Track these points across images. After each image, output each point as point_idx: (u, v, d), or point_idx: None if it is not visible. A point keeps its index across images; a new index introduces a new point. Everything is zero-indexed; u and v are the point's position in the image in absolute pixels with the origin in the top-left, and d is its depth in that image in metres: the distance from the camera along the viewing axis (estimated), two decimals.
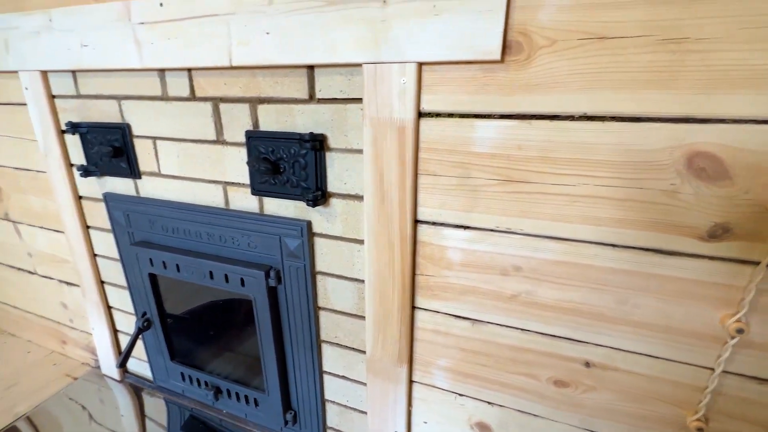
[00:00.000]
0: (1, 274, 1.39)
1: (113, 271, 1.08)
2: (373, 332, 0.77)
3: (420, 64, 0.58)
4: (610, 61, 0.49)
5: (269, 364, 0.91)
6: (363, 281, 0.76)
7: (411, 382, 0.80)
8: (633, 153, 0.52)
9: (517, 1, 0.51)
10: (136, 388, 1.21)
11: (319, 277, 0.81)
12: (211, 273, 0.87)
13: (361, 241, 0.74)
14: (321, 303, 0.83)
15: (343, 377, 0.88)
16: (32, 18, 0.85)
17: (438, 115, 0.61)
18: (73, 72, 0.90)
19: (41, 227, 1.18)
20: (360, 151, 0.68)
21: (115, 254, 1.04)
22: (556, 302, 0.63)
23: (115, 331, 1.19)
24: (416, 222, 0.68)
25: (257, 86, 0.72)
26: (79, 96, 0.91)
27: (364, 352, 0.83)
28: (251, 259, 0.84)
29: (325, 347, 0.87)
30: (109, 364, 1.24)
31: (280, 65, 0.67)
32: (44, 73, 0.93)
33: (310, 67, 0.67)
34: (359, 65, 0.62)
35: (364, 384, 0.85)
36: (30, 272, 1.30)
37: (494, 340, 0.69)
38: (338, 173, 0.71)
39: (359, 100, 0.65)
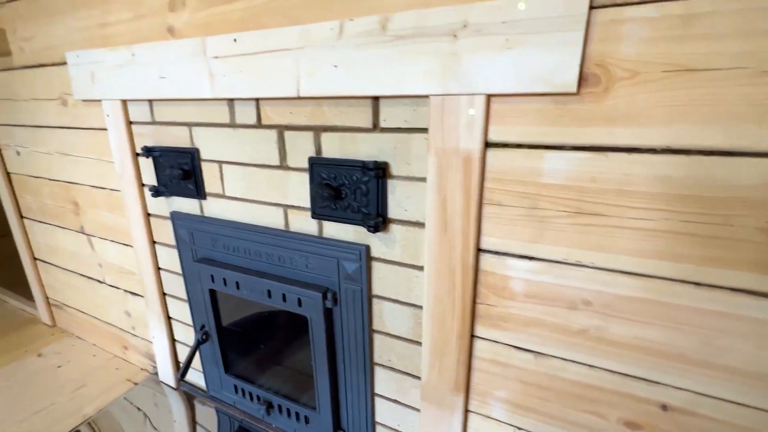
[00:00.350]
0: (73, 282, 1.50)
1: (175, 285, 1.15)
2: (429, 358, 0.76)
3: (489, 96, 0.58)
4: (699, 93, 0.47)
5: (321, 383, 0.92)
6: (420, 307, 0.76)
7: (467, 411, 0.78)
8: (723, 188, 0.49)
9: (595, 34, 0.50)
10: (190, 396, 1.26)
11: (375, 301, 0.81)
12: (269, 292, 0.90)
13: (420, 267, 0.74)
14: (376, 326, 0.83)
15: (395, 401, 0.87)
16: (117, 53, 0.93)
17: (506, 145, 0.60)
18: (150, 101, 0.97)
19: (112, 240, 1.27)
20: (422, 179, 0.69)
21: (178, 269, 1.10)
22: (629, 340, 0.60)
23: (173, 341, 1.26)
24: (479, 251, 0.67)
25: (322, 115, 0.75)
26: (154, 122, 0.99)
27: (417, 378, 0.82)
28: (309, 280, 0.86)
29: (378, 370, 0.87)
30: (166, 372, 1.30)
31: (345, 96, 0.69)
32: (124, 102, 1.01)
33: (375, 98, 0.69)
34: (426, 97, 0.63)
35: (417, 410, 0.85)
36: (99, 281, 1.40)
37: (559, 374, 0.67)
38: (399, 200, 0.72)
39: (423, 129, 0.66)
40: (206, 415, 1.20)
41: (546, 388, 0.69)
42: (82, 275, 1.45)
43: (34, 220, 1.52)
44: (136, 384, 1.33)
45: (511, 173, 0.61)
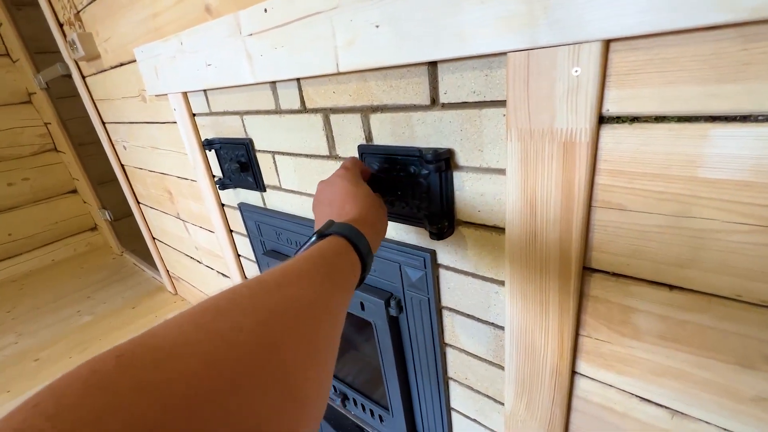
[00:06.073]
0: (182, 260, 1.68)
1: (254, 272, 1.17)
2: (514, 389, 0.62)
3: (607, 43, 0.36)
4: None
5: (392, 388, 0.85)
6: (501, 328, 0.61)
7: None
8: None
9: None
10: None
11: (445, 312, 0.68)
12: None
13: (500, 282, 0.57)
14: (448, 339, 0.71)
15: (475, 420, 0.76)
16: (169, 44, 0.89)
17: (635, 120, 0.38)
18: (204, 91, 0.93)
19: (200, 227, 1.35)
20: (500, 171, 0.50)
21: (253, 257, 1.11)
22: None
23: None
24: (584, 269, 0.48)
25: (369, 92, 0.60)
26: (211, 113, 0.95)
27: (500, 403, 0.68)
28: (371, 283, 0.76)
29: (453, 385, 0.75)
30: None
31: (393, 65, 0.53)
32: (185, 94, 0.99)
33: (433, 63, 0.51)
34: (503, 54, 0.43)
35: None
36: (198, 261, 1.53)
37: None
38: (469, 198, 0.55)
39: (500, 102, 0.47)
40: None
41: None
42: (186, 255, 1.61)
43: (147, 206, 1.72)
44: None
45: (643, 162, 0.39)
